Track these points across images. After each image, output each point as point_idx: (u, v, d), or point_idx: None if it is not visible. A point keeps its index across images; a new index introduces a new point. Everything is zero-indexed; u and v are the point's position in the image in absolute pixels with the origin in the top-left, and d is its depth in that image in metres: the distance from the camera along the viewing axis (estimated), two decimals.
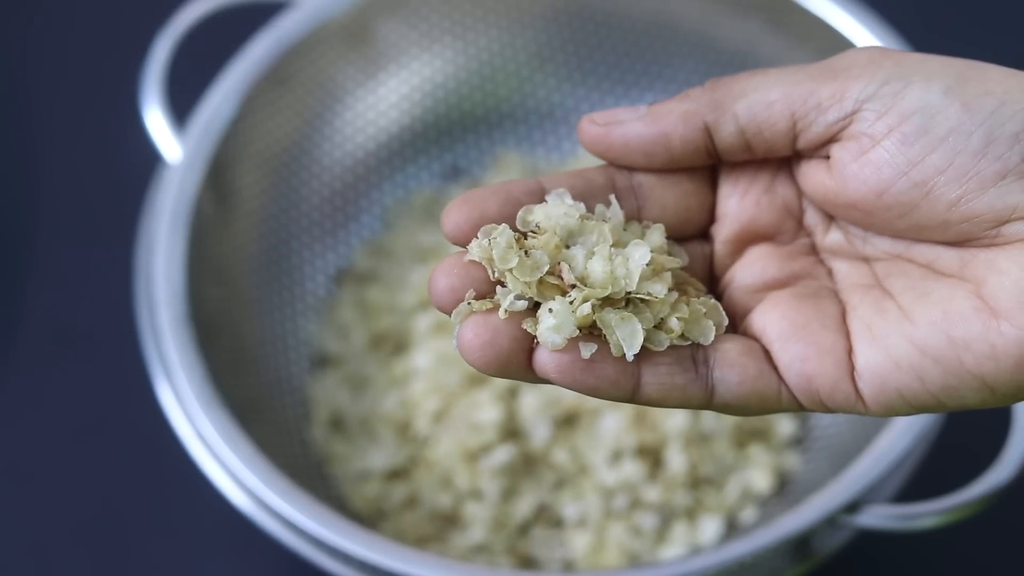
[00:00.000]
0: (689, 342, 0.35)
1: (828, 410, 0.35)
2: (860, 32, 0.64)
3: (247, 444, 0.57)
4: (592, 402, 0.65)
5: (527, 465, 0.66)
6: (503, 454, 0.65)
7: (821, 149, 0.36)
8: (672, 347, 0.35)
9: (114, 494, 0.68)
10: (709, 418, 0.66)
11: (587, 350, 0.34)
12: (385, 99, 0.74)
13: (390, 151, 0.75)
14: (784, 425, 0.67)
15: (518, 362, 0.34)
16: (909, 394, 0.34)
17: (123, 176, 0.74)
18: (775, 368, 0.35)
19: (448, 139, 0.76)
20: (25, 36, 0.82)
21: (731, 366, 0.35)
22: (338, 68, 0.71)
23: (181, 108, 0.65)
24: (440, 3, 0.72)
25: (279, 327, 0.69)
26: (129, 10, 0.82)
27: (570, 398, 0.66)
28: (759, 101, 0.36)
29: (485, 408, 0.65)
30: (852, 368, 0.34)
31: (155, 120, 0.64)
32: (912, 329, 0.34)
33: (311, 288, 0.72)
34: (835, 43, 0.65)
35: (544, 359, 0.34)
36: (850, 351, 0.35)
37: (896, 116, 0.34)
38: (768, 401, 0.35)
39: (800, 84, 0.35)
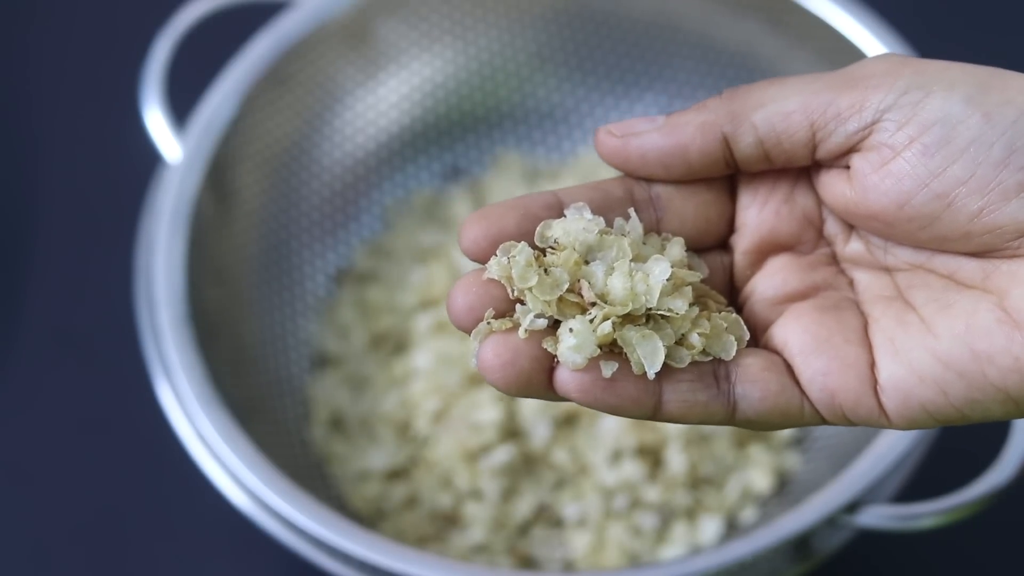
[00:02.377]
0: (710, 358, 0.35)
1: (851, 424, 0.35)
2: (860, 32, 0.64)
3: (247, 444, 0.57)
4: None
5: (527, 465, 0.66)
6: (503, 454, 0.65)
7: (841, 159, 0.36)
8: (693, 363, 0.34)
9: (114, 494, 0.68)
10: None
11: (608, 369, 0.33)
12: (385, 99, 0.74)
13: (390, 151, 0.75)
14: None
15: (539, 382, 0.34)
16: (933, 408, 0.34)
17: (123, 176, 0.74)
18: (797, 382, 0.35)
19: (448, 139, 0.76)
20: (25, 36, 0.82)
21: (753, 381, 0.35)
22: (338, 68, 0.71)
23: (181, 108, 0.65)
24: (440, 3, 0.72)
25: (279, 327, 0.69)
26: (129, 10, 0.82)
27: None
28: (777, 111, 0.35)
29: (485, 408, 0.65)
30: (875, 382, 0.34)
31: (155, 120, 0.64)
32: (935, 342, 0.33)
33: (311, 288, 0.72)
34: (835, 43, 0.65)
35: (565, 379, 0.33)
36: (873, 365, 0.34)
37: (917, 127, 0.34)
38: (790, 416, 0.35)
39: (819, 94, 0.35)
